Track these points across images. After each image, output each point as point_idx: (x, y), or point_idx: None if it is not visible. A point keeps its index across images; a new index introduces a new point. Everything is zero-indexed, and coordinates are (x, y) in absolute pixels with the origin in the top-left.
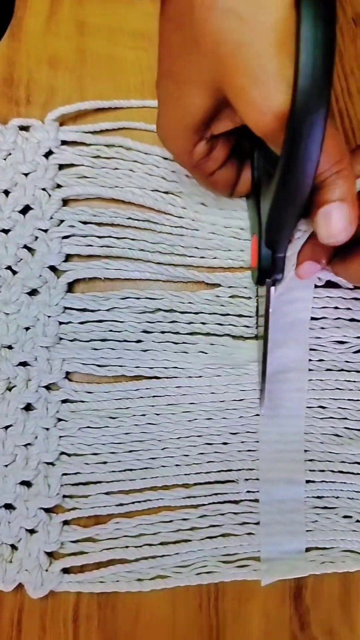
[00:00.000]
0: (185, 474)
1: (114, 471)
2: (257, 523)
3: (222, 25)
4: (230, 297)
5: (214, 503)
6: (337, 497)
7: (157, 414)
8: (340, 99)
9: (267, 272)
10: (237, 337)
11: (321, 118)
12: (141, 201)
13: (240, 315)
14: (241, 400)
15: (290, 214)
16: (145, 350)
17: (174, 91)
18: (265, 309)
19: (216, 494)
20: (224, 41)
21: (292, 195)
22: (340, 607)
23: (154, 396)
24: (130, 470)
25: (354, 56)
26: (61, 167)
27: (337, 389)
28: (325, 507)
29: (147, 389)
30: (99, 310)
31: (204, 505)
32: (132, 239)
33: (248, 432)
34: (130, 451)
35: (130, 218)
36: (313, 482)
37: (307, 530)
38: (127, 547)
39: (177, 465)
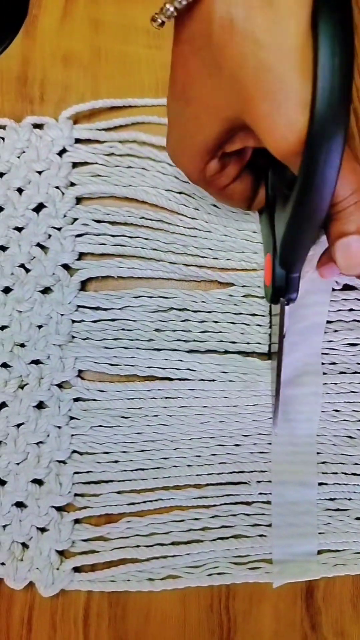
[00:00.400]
0: (197, 475)
1: (125, 470)
2: (269, 525)
3: (243, 50)
4: (243, 296)
5: (226, 504)
6: (349, 499)
7: (170, 416)
8: (355, 98)
9: (281, 291)
10: (249, 352)
11: (338, 144)
12: (154, 200)
13: (253, 315)
14: (255, 405)
15: (306, 237)
16: (157, 350)
17: (188, 114)
18: (280, 328)
19: (228, 495)
20: (245, 66)
21: (307, 220)
22: (352, 608)
23: (166, 397)
24: (142, 469)
25: None
26: (75, 165)
27: (351, 392)
28: (338, 509)
29: (159, 389)
30: (112, 308)
31: (215, 505)
32: (146, 239)
33: (260, 434)
34: (142, 450)
35: (143, 217)
36: (326, 484)
37: (320, 533)
38: (138, 546)
39: (189, 465)
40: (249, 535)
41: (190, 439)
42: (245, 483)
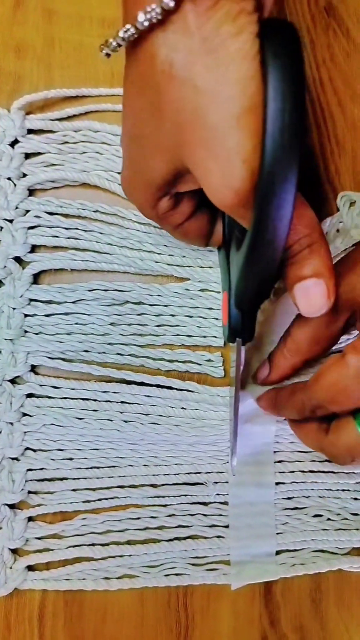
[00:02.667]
0: (154, 475)
1: (80, 468)
2: (227, 526)
3: (181, 95)
4: (200, 290)
5: (182, 504)
6: (307, 497)
7: (125, 421)
8: (312, 89)
9: (237, 331)
10: (205, 346)
11: (289, 199)
12: (107, 186)
13: (210, 309)
14: (212, 419)
15: (259, 284)
16: (111, 344)
17: (137, 152)
18: (236, 366)
19: (185, 495)
20: (183, 111)
21: (259, 270)
22: (311, 602)
23: (122, 402)
24: (97, 467)
25: (325, 45)
26: (27, 156)
27: None
28: (296, 508)
29: (115, 392)
30: (65, 302)
31: (172, 505)
32: (100, 233)
33: (218, 440)
34: (97, 449)
35: (97, 211)
36: (283, 483)
37: (277, 533)
38: (93, 544)
39: (145, 465)
40: (207, 536)
41: (147, 443)
42: (202, 484)
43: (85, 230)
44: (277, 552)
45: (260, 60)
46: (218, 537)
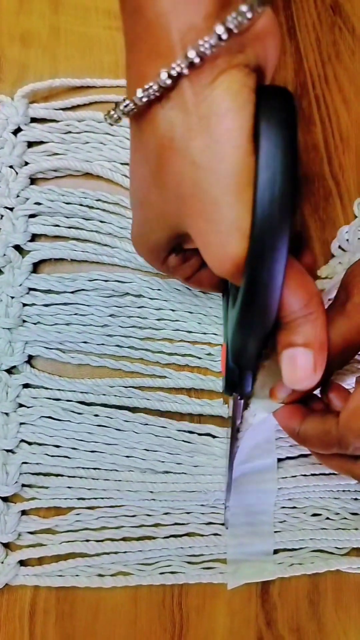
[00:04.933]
0: (151, 482)
1: (77, 467)
2: (224, 524)
3: (181, 169)
4: (201, 290)
5: (179, 509)
6: (306, 498)
7: (126, 421)
8: (317, 86)
9: (234, 386)
10: (205, 342)
11: (279, 266)
12: (110, 175)
13: (211, 307)
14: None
15: (251, 345)
16: (110, 336)
17: (143, 215)
18: (232, 420)
19: (184, 501)
20: (183, 185)
21: (251, 332)
22: (309, 603)
23: (118, 396)
24: (94, 468)
25: (331, 43)
26: (30, 145)
27: None
28: (294, 507)
29: (110, 387)
30: (65, 292)
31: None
32: (101, 221)
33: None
34: (93, 451)
35: (99, 200)
36: (286, 488)
37: (275, 532)
38: (88, 540)
39: (142, 472)
40: (203, 534)
41: (145, 449)
42: (200, 492)
43: (86, 219)
44: (275, 551)
45: (252, 131)
46: (215, 534)
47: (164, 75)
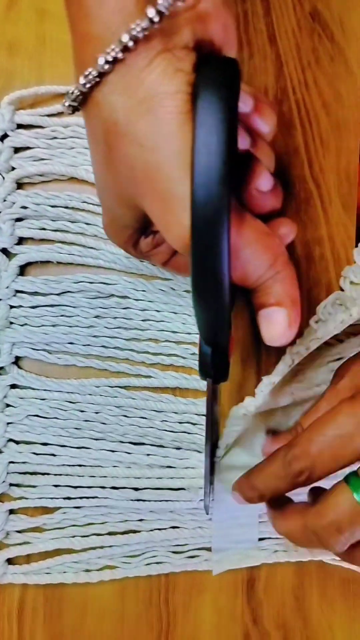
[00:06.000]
0: (136, 478)
1: (63, 465)
2: (210, 519)
3: (129, 152)
4: (184, 291)
5: (162, 509)
6: None
7: (112, 416)
8: (297, 91)
9: (207, 370)
10: (189, 342)
11: (222, 230)
12: (92, 178)
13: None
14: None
15: (212, 317)
16: (96, 337)
17: (106, 200)
18: (207, 408)
19: (167, 501)
20: (134, 167)
21: (206, 303)
22: (294, 599)
23: (104, 396)
24: (80, 465)
25: (310, 49)
26: (17, 150)
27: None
28: None
29: (96, 387)
30: (51, 294)
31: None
32: (86, 223)
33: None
34: (80, 447)
35: (85, 202)
36: None
37: (260, 522)
38: (74, 536)
39: (128, 468)
40: (187, 528)
41: (130, 443)
42: (184, 489)
43: (71, 221)
44: (260, 540)
45: (191, 100)
46: (199, 527)
47: (101, 61)
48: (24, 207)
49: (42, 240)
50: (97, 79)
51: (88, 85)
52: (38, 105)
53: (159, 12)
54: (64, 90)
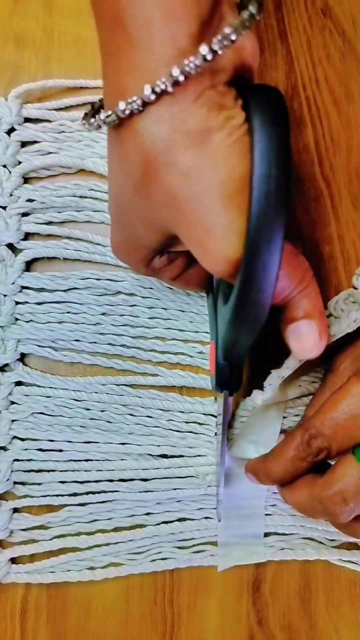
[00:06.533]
0: (144, 469)
1: (70, 460)
2: (215, 508)
3: (169, 181)
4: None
5: (171, 498)
6: None
7: (117, 414)
8: (308, 87)
9: (224, 383)
10: (196, 341)
11: (275, 259)
12: (102, 171)
13: (203, 306)
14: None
15: (247, 340)
16: (103, 334)
17: (127, 222)
18: (223, 418)
19: (175, 489)
20: (173, 195)
21: (247, 327)
22: (300, 601)
23: (110, 394)
24: (86, 460)
25: (322, 45)
26: (24, 144)
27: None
28: None
29: (102, 385)
30: (57, 290)
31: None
32: (94, 211)
33: (209, 442)
34: (87, 442)
35: (92, 189)
36: None
37: (266, 514)
38: (79, 534)
39: (135, 460)
40: (194, 518)
41: (138, 436)
42: (193, 477)
43: (78, 210)
44: (266, 535)
45: (242, 141)
46: (206, 518)
47: (147, 91)
48: (30, 200)
49: (49, 236)
50: (140, 108)
51: (128, 112)
52: (45, 99)
53: (213, 51)
54: (72, 84)
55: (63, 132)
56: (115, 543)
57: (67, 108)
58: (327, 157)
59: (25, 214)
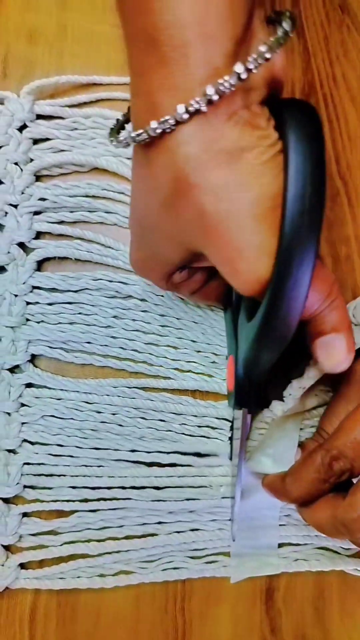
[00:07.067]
0: (156, 477)
1: (81, 465)
2: (229, 519)
3: (200, 201)
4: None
5: (184, 509)
6: None
7: (128, 417)
8: (325, 84)
9: (243, 400)
10: (209, 352)
11: (307, 277)
12: (115, 169)
13: (215, 320)
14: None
15: (271, 357)
16: (114, 337)
17: (150, 239)
18: (241, 436)
19: (188, 500)
20: (203, 214)
21: (273, 344)
22: (314, 610)
23: (122, 397)
24: (98, 466)
25: (339, 42)
26: (36, 142)
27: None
28: None
29: (114, 387)
30: (69, 291)
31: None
32: (106, 212)
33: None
34: (97, 448)
35: (105, 189)
36: None
37: (280, 525)
38: (89, 540)
39: (148, 467)
40: (207, 529)
41: (149, 443)
42: (206, 487)
43: (91, 211)
44: (279, 546)
45: (280, 148)
46: (219, 529)
47: (180, 110)
48: (43, 199)
49: (61, 235)
50: (173, 127)
51: (159, 131)
52: (58, 96)
53: (248, 70)
54: (85, 80)
55: (76, 129)
56: (126, 551)
57: (80, 105)
58: (344, 155)
59: (36, 213)
